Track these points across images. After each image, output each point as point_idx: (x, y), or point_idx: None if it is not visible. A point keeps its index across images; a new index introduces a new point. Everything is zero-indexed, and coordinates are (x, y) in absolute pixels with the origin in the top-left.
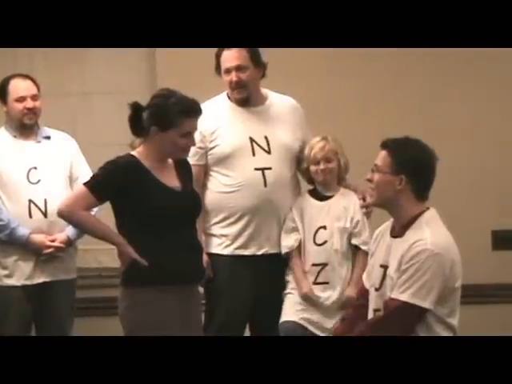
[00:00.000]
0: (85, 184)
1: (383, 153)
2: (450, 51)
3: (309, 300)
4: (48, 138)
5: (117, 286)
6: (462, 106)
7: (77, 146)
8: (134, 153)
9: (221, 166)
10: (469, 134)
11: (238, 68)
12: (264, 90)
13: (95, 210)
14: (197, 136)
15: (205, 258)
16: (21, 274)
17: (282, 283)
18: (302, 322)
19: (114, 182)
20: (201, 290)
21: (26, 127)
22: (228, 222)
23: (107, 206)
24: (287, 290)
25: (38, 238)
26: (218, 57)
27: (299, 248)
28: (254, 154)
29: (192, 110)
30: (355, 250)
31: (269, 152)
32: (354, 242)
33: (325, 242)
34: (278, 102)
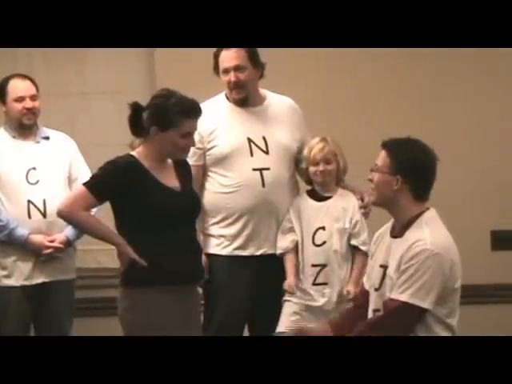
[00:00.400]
0: (84, 184)
1: (383, 153)
2: (449, 51)
3: (302, 299)
4: (47, 138)
5: (116, 286)
6: (462, 106)
7: (76, 146)
8: (133, 153)
9: (219, 167)
10: (469, 134)
11: (237, 68)
12: (262, 91)
13: (95, 210)
14: (195, 136)
15: (203, 258)
16: (20, 274)
17: (281, 283)
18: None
19: (113, 182)
20: (199, 290)
21: (25, 127)
22: (226, 222)
23: (107, 205)
24: (285, 297)
25: (37, 238)
26: (216, 57)
27: (295, 248)
28: (252, 155)
29: (192, 110)
30: (354, 250)
31: (267, 152)
32: (353, 242)
33: (324, 242)
34: (277, 102)
